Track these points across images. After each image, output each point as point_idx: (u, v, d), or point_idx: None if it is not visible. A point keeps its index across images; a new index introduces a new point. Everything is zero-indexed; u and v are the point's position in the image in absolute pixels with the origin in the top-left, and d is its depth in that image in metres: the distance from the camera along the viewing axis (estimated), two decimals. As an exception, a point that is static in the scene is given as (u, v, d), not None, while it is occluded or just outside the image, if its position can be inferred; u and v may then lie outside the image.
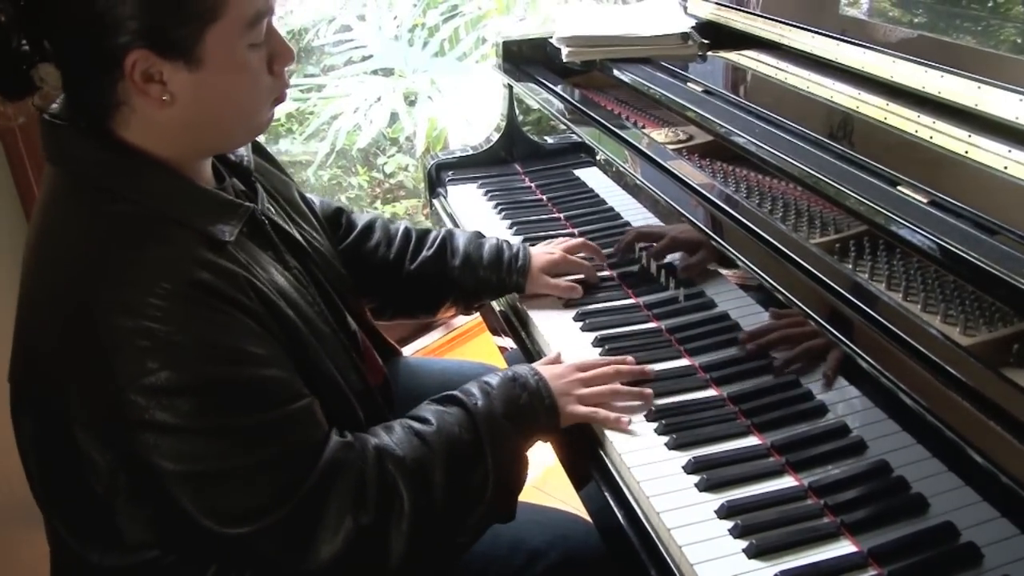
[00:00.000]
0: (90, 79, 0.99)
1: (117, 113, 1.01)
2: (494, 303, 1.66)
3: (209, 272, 0.98)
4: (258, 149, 1.33)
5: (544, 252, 1.59)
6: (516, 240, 1.75)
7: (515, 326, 1.58)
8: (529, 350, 1.50)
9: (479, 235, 1.59)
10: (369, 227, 1.56)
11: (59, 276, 0.99)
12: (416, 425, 1.15)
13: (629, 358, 1.32)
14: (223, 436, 0.98)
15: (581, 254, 1.61)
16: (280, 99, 1.10)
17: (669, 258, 1.48)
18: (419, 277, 1.53)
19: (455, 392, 1.20)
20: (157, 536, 1.04)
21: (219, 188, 1.13)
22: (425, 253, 1.54)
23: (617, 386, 1.26)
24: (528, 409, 1.20)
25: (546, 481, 2.35)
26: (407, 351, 2.51)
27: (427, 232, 1.58)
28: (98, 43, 0.95)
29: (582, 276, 1.58)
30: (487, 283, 1.55)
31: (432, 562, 1.13)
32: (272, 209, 1.24)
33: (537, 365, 1.28)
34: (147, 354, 0.93)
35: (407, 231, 1.57)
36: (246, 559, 1.05)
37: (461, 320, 2.75)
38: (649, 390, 1.27)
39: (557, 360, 1.33)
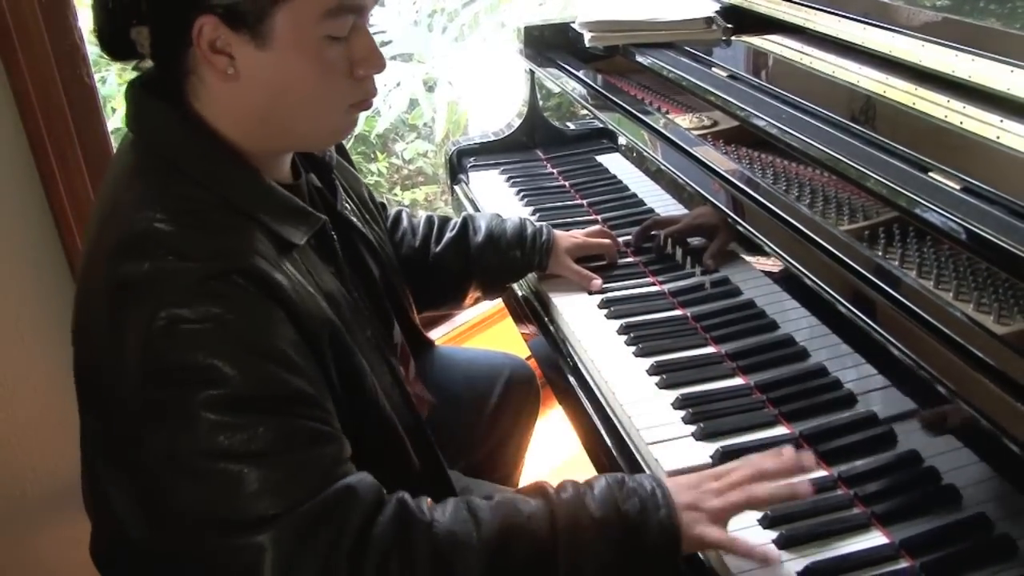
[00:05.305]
0: (165, 43, 0.98)
1: (187, 83, 1.00)
2: (516, 287, 1.66)
3: (270, 266, 0.95)
4: (338, 146, 1.32)
5: (568, 235, 1.59)
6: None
7: (538, 312, 1.57)
8: (553, 337, 1.50)
9: (500, 216, 1.58)
10: (397, 219, 1.56)
11: (114, 255, 0.94)
12: (474, 500, 0.98)
13: (788, 449, 1.04)
14: (235, 429, 0.89)
15: (603, 240, 1.61)
16: (363, 106, 1.06)
17: (695, 244, 1.47)
18: (444, 259, 1.52)
19: (540, 482, 1.02)
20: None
21: (295, 184, 1.11)
22: (449, 235, 1.54)
23: (755, 489, 0.99)
24: (635, 517, 0.94)
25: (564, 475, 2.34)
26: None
27: (448, 218, 1.59)
28: (174, 4, 0.94)
29: (604, 262, 1.58)
30: (511, 259, 1.53)
31: None
32: (349, 207, 1.23)
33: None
34: (186, 335, 0.88)
35: (429, 218, 1.58)
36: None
37: (483, 306, 2.74)
38: (806, 486, 0.99)
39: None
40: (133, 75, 1.07)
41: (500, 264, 1.54)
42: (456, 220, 1.57)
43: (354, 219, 1.24)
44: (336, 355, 1.03)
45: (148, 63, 1.04)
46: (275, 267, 0.96)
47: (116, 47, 1.01)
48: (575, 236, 1.59)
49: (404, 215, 1.57)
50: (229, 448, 0.88)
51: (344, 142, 1.41)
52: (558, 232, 1.58)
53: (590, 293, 1.53)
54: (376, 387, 1.10)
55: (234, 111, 1.00)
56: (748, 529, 1.02)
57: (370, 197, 1.39)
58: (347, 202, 1.24)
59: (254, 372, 0.91)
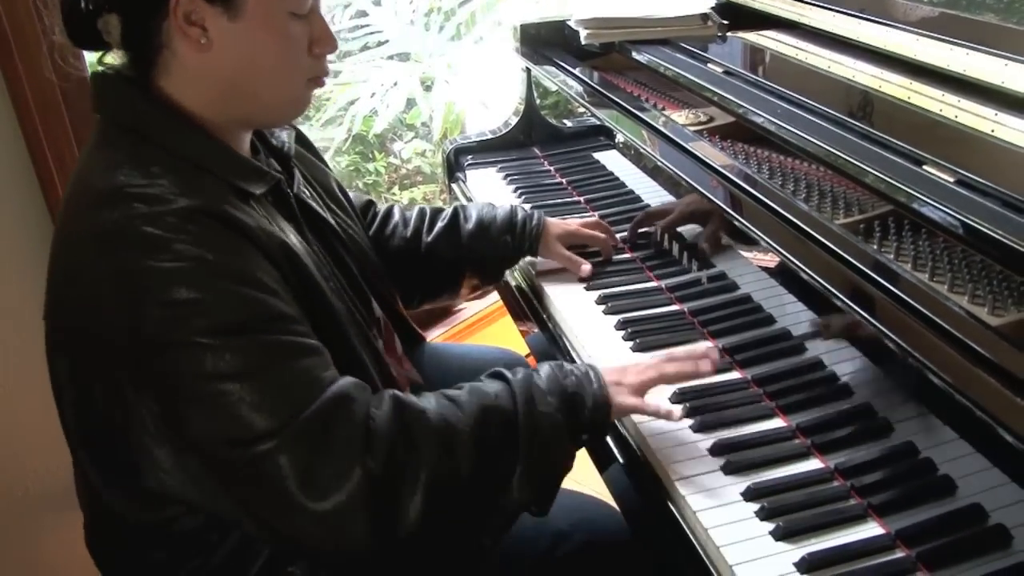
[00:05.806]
0: (140, 18, 1.03)
1: (160, 58, 1.05)
2: (512, 281, 1.67)
3: (233, 209, 1.03)
4: (300, 138, 1.36)
5: (560, 222, 1.61)
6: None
7: (535, 308, 1.58)
8: (551, 333, 1.50)
9: (491, 204, 1.61)
10: (388, 213, 1.59)
11: (87, 210, 1.01)
12: (448, 391, 1.11)
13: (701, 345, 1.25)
14: (229, 351, 0.96)
15: (596, 232, 1.62)
16: (318, 82, 1.14)
17: (691, 238, 1.47)
18: (436, 249, 1.55)
19: (495, 368, 1.16)
20: (180, 484, 1.02)
21: (255, 159, 1.16)
22: (440, 224, 1.57)
23: (664, 366, 1.19)
24: (575, 392, 1.11)
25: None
26: (427, 337, 2.52)
27: (440, 208, 1.61)
28: None
29: (600, 259, 1.59)
30: (502, 245, 1.56)
31: (452, 539, 1.08)
32: (307, 193, 1.27)
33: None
34: (166, 272, 0.95)
35: (421, 210, 1.60)
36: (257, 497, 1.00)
37: (481, 304, 2.75)
38: (707, 364, 1.19)
39: None
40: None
41: (492, 250, 1.56)
42: (447, 210, 1.59)
43: (313, 203, 1.27)
44: (305, 294, 1.09)
45: (112, 59, 1.09)
46: (239, 210, 1.04)
47: (83, 35, 1.07)
48: (567, 223, 1.61)
49: (396, 209, 1.60)
50: (223, 370, 0.96)
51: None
52: (550, 219, 1.60)
53: (580, 280, 1.55)
54: (349, 331, 1.16)
55: (203, 80, 1.06)
56: (747, 521, 1.03)
57: (339, 189, 1.41)
58: (306, 188, 1.29)
59: (235, 299, 0.98)
